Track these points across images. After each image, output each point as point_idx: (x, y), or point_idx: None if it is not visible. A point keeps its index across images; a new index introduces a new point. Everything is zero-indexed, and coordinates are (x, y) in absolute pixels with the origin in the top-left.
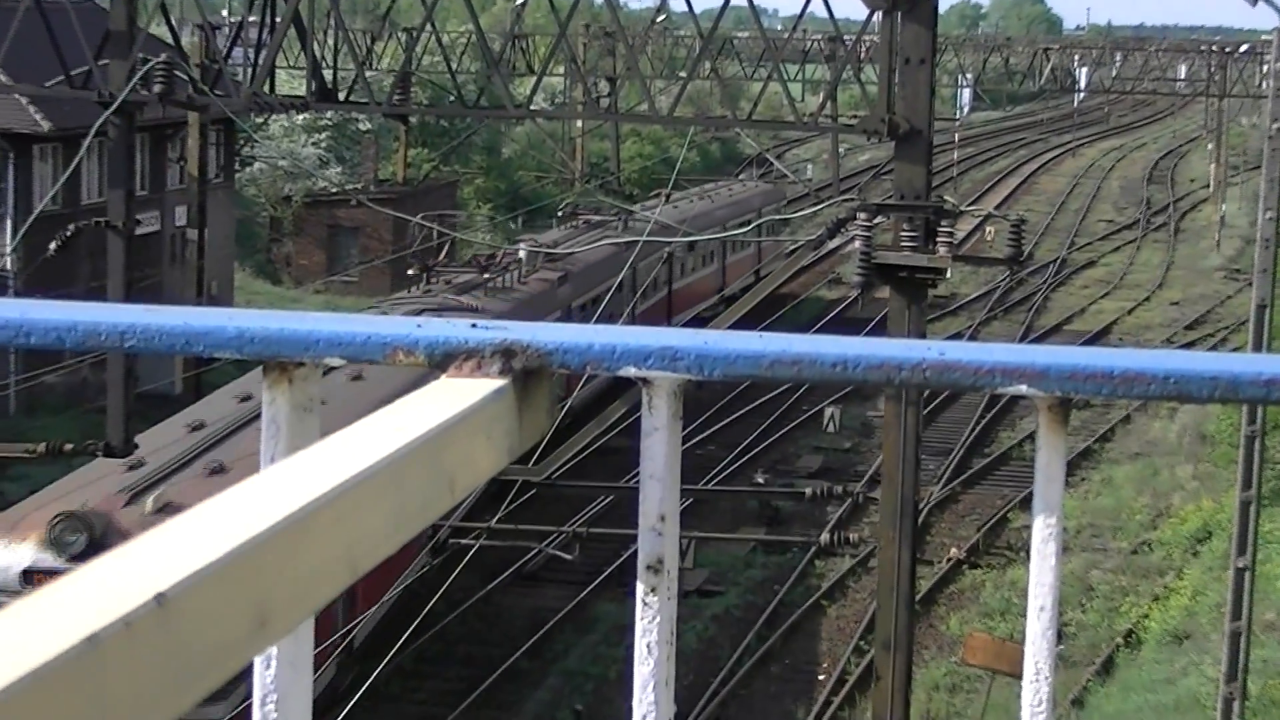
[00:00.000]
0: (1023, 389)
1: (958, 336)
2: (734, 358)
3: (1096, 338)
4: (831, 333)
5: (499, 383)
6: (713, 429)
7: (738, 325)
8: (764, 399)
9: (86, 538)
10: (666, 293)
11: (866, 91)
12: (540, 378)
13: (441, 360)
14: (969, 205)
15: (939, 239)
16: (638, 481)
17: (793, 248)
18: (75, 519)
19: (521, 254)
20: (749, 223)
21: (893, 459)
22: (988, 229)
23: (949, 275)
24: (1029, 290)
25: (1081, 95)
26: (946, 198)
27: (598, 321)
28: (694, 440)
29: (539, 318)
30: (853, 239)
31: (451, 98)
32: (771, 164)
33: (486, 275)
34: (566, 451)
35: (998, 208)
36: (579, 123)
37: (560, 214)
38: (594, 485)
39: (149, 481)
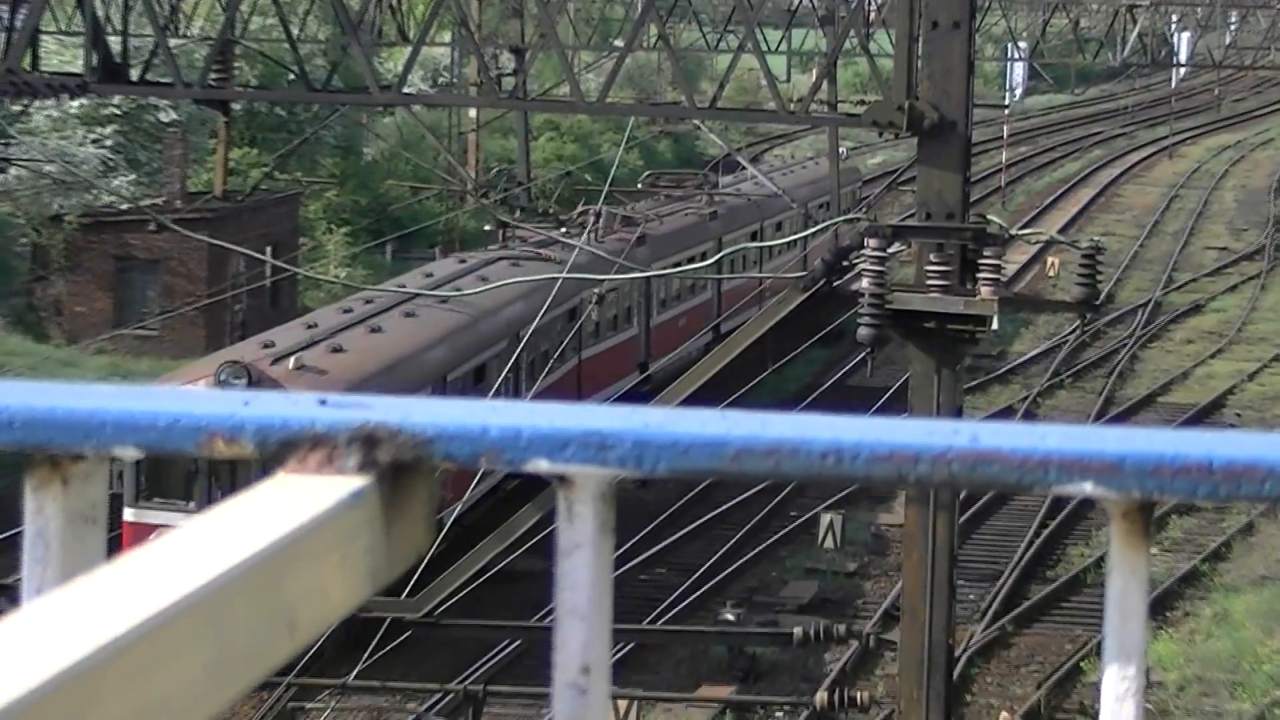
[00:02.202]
0: (1087, 488)
1: (1008, 413)
2: (686, 446)
3: (1204, 414)
4: (827, 408)
5: (358, 482)
6: (660, 545)
7: (695, 398)
8: (733, 502)
9: (246, 381)
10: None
11: (877, 68)
12: (415, 475)
13: (278, 450)
14: (1023, 228)
15: (981, 275)
16: (553, 619)
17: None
18: (239, 365)
19: (600, 213)
20: (827, 206)
21: (916, 586)
22: (1050, 260)
23: (994, 326)
24: (1108, 347)
25: (1182, 72)
26: (991, 217)
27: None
28: (634, 561)
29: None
30: (858, 275)
31: (292, 76)
32: (745, 169)
33: (564, 230)
34: (455, 577)
35: (1063, 230)
36: (472, 112)
37: (640, 186)
38: (492, 625)
39: (286, 351)
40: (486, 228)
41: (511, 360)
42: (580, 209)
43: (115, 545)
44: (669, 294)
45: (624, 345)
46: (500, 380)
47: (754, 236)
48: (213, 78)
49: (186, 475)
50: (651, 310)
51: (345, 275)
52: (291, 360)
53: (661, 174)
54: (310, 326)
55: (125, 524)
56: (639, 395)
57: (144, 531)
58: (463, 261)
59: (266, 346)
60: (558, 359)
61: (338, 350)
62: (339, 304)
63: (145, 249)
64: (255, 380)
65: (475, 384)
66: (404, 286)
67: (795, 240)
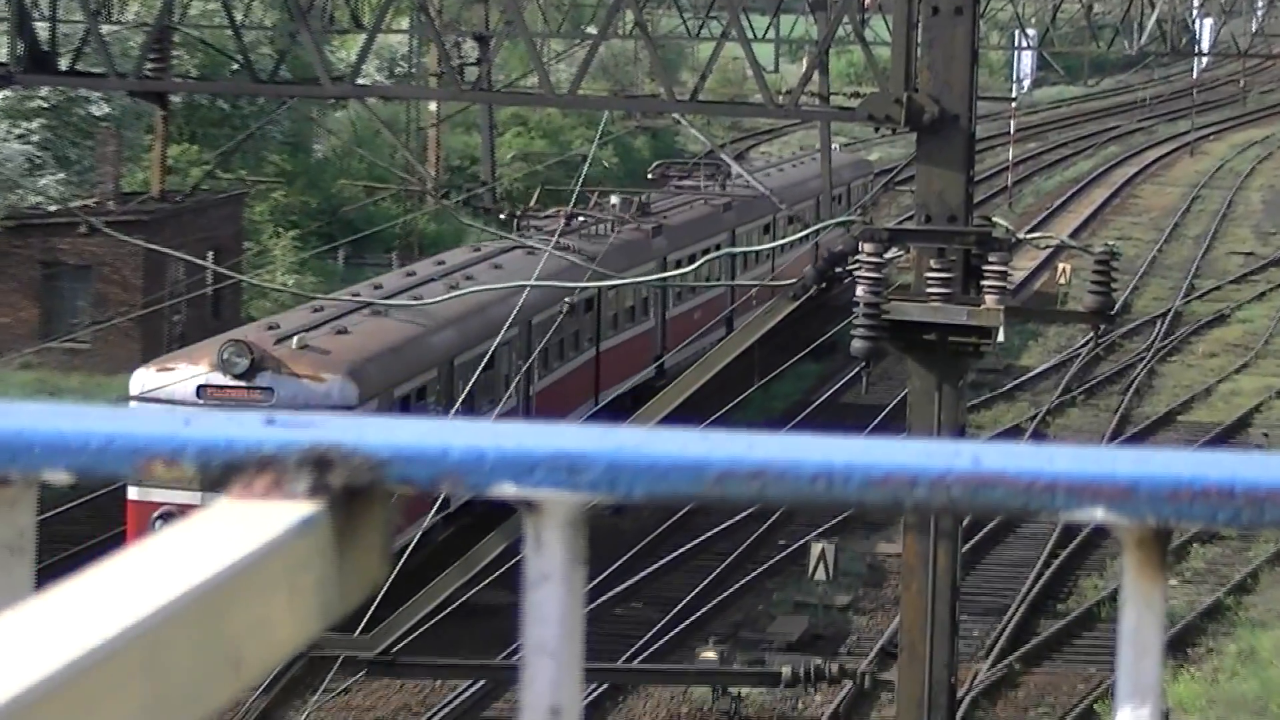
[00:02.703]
0: (1098, 514)
1: (1015, 433)
2: (664, 469)
3: (1227, 434)
4: (818, 427)
5: (308, 508)
6: (637, 576)
7: (674, 417)
8: (716, 530)
9: (249, 361)
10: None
11: (873, 57)
12: (370, 500)
13: (221, 474)
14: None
15: (986, 283)
16: (520, 657)
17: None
18: (241, 344)
19: (614, 200)
20: (839, 199)
21: (915, 621)
22: (1060, 267)
23: (1000, 338)
24: (1124, 361)
25: (1205, 61)
26: (997, 219)
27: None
28: (608, 594)
29: (633, 264)
30: (852, 283)
31: (235, 66)
32: (729, 168)
33: (583, 220)
34: (414, 611)
35: (1075, 234)
36: (432, 106)
37: (650, 176)
38: (454, 664)
39: (289, 333)
40: (502, 215)
41: (518, 354)
42: (549, 212)
43: (120, 527)
44: (684, 288)
45: (640, 339)
46: (510, 368)
47: (768, 229)
48: (149, 68)
49: None
50: (667, 303)
51: (294, 283)
52: (295, 339)
53: (671, 163)
54: (316, 310)
55: (129, 503)
56: (654, 389)
57: (147, 510)
58: (476, 250)
59: (270, 329)
60: (574, 349)
61: (342, 332)
62: (347, 289)
63: (75, 254)
64: (258, 359)
65: (486, 369)
66: (414, 274)
67: (784, 245)
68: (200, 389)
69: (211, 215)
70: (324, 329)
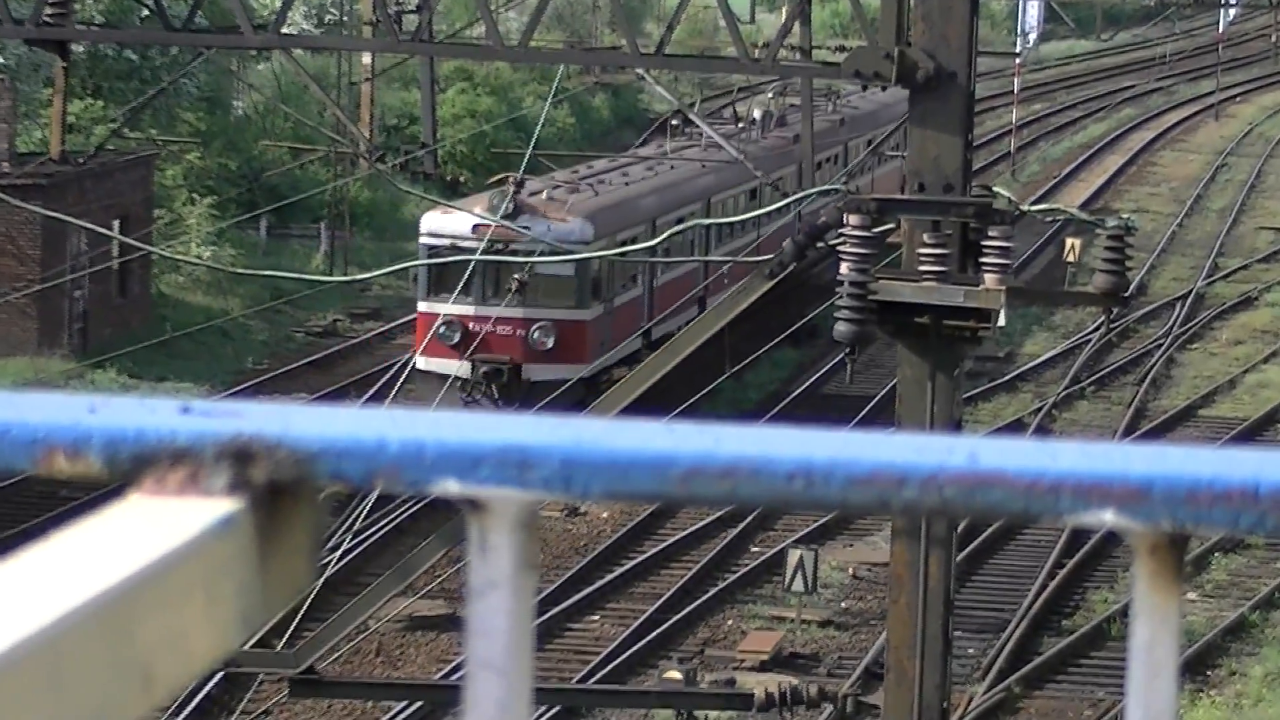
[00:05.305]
0: (1108, 518)
1: (1018, 427)
2: (625, 465)
3: (1254, 430)
4: (797, 420)
5: (227, 506)
6: (593, 586)
7: (637, 407)
8: (682, 534)
9: (512, 205)
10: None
11: (861, 6)
12: (297, 498)
13: (131, 468)
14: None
15: (985, 260)
16: (463, 674)
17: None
18: (505, 194)
19: (756, 114)
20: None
21: (904, 638)
22: (1070, 243)
23: (1001, 322)
24: (1139, 348)
25: (1232, 13)
26: (998, 189)
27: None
28: (562, 605)
29: (782, 165)
30: (835, 259)
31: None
32: (698, 128)
33: (741, 126)
34: (342, 624)
35: (1085, 206)
36: (366, 58)
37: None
38: (388, 683)
39: (537, 189)
40: (673, 121)
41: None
42: (498, 178)
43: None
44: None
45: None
46: (695, 234)
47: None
48: (48, 14)
49: (461, 274)
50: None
51: (210, 255)
52: (544, 192)
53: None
54: (574, 171)
55: (420, 314)
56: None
57: (430, 319)
58: (659, 146)
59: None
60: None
61: (575, 190)
62: (607, 157)
63: None
64: (519, 204)
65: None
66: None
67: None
68: (475, 227)
69: (118, 179)
70: (562, 188)
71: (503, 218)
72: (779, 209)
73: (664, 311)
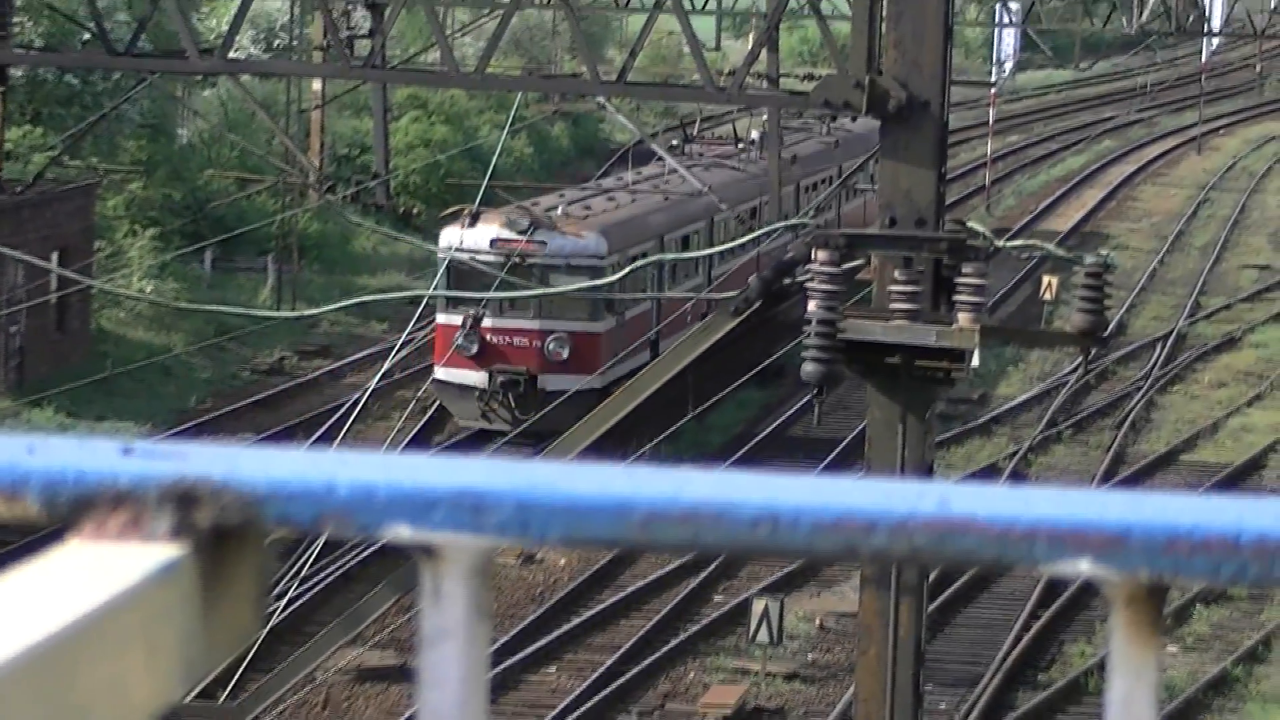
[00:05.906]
0: (1083, 567)
1: (992, 473)
2: (583, 509)
3: (1237, 477)
4: (762, 464)
5: (170, 551)
6: (550, 636)
7: (595, 450)
8: (642, 583)
9: (529, 221)
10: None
11: (831, 32)
12: (243, 543)
13: (70, 511)
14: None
15: (959, 298)
16: None
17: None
18: (523, 209)
19: (755, 136)
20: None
21: (873, 692)
22: (1046, 281)
23: (975, 362)
24: (1118, 390)
25: (1215, 43)
26: (973, 224)
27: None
28: (518, 656)
29: (786, 182)
30: (803, 297)
31: (87, 36)
32: (662, 160)
33: (740, 146)
34: (289, 675)
35: (1063, 241)
36: (316, 84)
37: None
38: None
39: (551, 206)
40: (673, 142)
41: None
42: (452, 210)
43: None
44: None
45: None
46: (699, 252)
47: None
48: None
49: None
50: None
51: (152, 289)
52: (559, 208)
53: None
54: (584, 188)
55: (439, 326)
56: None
57: (450, 331)
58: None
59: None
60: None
61: (588, 208)
62: (614, 176)
63: None
64: (535, 220)
65: (683, 247)
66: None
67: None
68: (493, 241)
69: (57, 209)
70: (576, 204)
71: (520, 232)
72: (743, 244)
73: (669, 323)
